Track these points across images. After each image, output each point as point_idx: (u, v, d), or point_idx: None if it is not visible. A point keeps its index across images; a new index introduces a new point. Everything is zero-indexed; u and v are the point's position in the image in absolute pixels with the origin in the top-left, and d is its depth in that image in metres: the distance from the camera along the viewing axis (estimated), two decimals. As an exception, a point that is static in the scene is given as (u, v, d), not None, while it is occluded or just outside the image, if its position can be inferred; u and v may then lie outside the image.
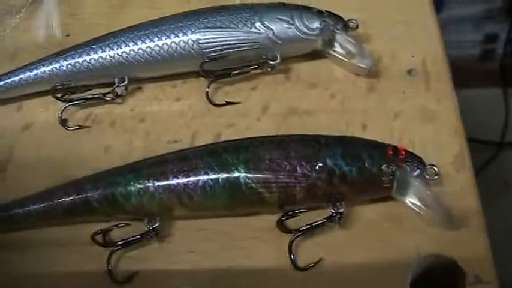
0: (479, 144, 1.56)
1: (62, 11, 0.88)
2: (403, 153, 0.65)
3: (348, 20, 0.75)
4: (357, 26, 0.75)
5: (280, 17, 0.74)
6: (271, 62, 0.74)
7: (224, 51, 0.73)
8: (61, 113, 0.76)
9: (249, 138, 0.68)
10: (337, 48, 0.75)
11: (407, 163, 0.64)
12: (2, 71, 0.79)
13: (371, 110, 0.74)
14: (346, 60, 0.74)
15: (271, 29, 0.73)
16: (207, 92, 0.74)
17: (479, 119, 1.27)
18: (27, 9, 0.88)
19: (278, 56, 0.74)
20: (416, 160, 0.65)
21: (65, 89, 0.77)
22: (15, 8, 0.88)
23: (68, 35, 0.85)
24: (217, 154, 0.65)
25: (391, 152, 0.64)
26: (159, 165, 0.66)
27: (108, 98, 0.75)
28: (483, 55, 1.77)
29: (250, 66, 0.75)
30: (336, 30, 0.74)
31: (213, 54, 0.74)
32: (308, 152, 0.63)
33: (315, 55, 0.78)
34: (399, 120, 0.73)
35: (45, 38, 0.85)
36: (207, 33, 0.73)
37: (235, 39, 0.73)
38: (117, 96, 0.76)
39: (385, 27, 0.81)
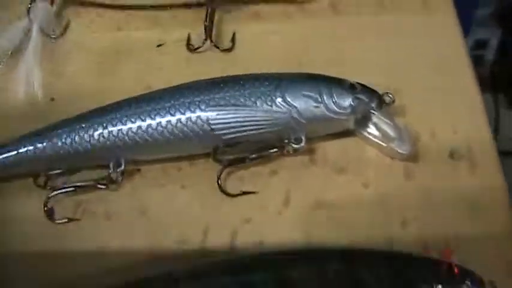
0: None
1: (44, 68, 0.75)
2: (457, 271, 0.54)
3: (383, 94, 0.64)
4: (394, 101, 0.64)
5: (305, 92, 0.62)
6: (294, 146, 0.62)
7: (239, 134, 0.62)
8: (46, 204, 0.63)
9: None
10: (372, 130, 0.64)
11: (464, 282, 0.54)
12: None
13: (410, 202, 0.62)
14: (382, 144, 0.63)
15: (295, 107, 0.62)
16: (219, 180, 0.63)
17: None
18: (4, 64, 0.75)
19: (303, 139, 0.62)
20: (471, 276, 0.54)
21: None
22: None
23: (52, 99, 0.73)
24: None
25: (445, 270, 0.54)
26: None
27: (101, 187, 0.63)
28: (473, 61, 1.71)
29: (270, 149, 0.63)
30: (370, 109, 0.63)
31: (226, 137, 0.62)
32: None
33: (343, 132, 0.66)
34: (443, 213, 0.62)
35: (25, 101, 0.74)
36: (220, 112, 0.62)
37: (252, 120, 0.62)
38: (111, 182, 0.63)
39: (420, 95, 0.70)
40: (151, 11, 0.79)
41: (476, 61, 1.67)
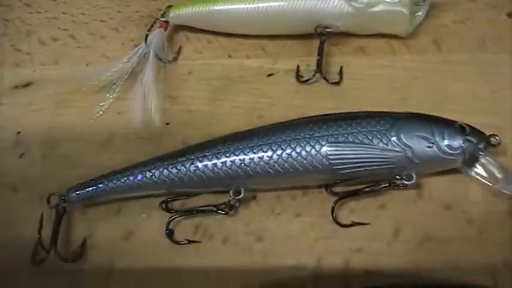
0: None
1: (160, 91, 0.82)
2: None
3: (490, 136, 0.70)
4: (499, 143, 0.70)
5: (419, 133, 0.68)
6: (405, 182, 0.69)
7: (356, 170, 0.68)
8: (168, 225, 0.71)
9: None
10: (479, 170, 0.70)
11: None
12: (95, 158, 0.78)
13: (514, 240, 0.68)
14: (488, 183, 0.69)
15: (410, 147, 0.68)
16: (333, 211, 0.69)
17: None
18: (121, 87, 0.82)
19: (414, 176, 0.69)
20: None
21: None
22: (107, 85, 0.82)
23: (167, 124, 0.80)
24: None
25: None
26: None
27: (221, 212, 0.70)
28: None
29: (381, 184, 0.69)
30: (478, 150, 0.69)
31: (343, 171, 0.69)
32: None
33: (449, 170, 0.72)
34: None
35: (142, 123, 0.80)
36: (338, 148, 0.69)
37: (369, 158, 0.68)
38: (230, 208, 0.71)
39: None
40: (259, 39, 0.85)
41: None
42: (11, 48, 0.92)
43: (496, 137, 0.71)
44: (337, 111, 0.75)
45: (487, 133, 0.72)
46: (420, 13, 0.82)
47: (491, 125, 0.74)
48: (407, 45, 0.83)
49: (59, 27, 0.93)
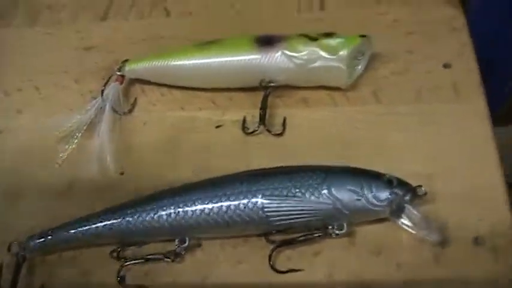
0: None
1: (116, 142, 0.88)
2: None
3: (417, 187, 0.76)
4: (425, 194, 0.76)
5: (349, 187, 0.75)
6: (337, 232, 0.75)
7: (290, 221, 0.75)
8: (119, 272, 0.77)
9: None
10: (405, 220, 0.76)
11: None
12: (55, 207, 0.84)
13: (439, 285, 0.75)
14: (413, 232, 0.75)
15: (340, 200, 0.74)
16: (270, 258, 0.76)
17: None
18: (80, 137, 0.89)
19: (345, 226, 0.75)
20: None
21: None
22: (67, 135, 0.89)
23: (122, 173, 0.86)
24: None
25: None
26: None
27: (167, 260, 0.77)
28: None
29: (315, 233, 0.76)
30: (404, 202, 0.75)
31: (278, 223, 0.75)
32: None
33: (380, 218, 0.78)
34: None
35: (98, 173, 0.86)
36: (273, 202, 0.75)
37: (301, 210, 0.74)
38: (176, 256, 0.77)
39: (451, 182, 0.81)
40: (210, 92, 0.91)
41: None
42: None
43: (422, 188, 0.76)
44: (280, 162, 0.81)
45: (421, 182, 0.77)
46: (359, 66, 0.88)
47: (426, 174, 0.80)
48: (348, 97, 0.89)
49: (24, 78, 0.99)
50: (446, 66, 0.91)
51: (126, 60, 0.92)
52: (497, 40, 0.93)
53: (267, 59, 0.86)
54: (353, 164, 0.79)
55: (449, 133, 0.84)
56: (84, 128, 0.89)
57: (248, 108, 0.90)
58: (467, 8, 0.97)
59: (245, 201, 0.75)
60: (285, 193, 0.75)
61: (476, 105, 0.87)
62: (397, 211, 0.76)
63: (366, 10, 1.00)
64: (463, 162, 0.82)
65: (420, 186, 0.76)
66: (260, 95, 0.89)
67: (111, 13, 1.07)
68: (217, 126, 0.89)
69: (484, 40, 0.95)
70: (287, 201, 0.74)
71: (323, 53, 0.85)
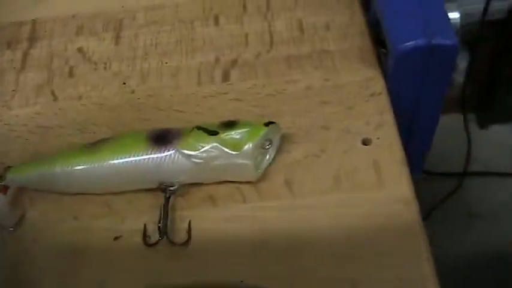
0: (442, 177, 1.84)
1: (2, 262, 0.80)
2: None
3: None
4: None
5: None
6: None
7: None
8: None
9: None
10: None
11: None
12: None
13: None
14: None
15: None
16: None
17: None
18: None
19: None
20: None
21: None
22: None
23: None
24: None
25: None
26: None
27: None
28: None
29: None
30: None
31: None
32: None
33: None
34: None
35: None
36: None
37: None
38: None
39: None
40: (105, 196, 0.82)
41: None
42: None
43: None
44: (188, 277, 0.75)
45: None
46: (268, 156, 0.81)
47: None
48: (258, 190, 0.81)
49: None
50: (365, 142, 0.83)
51: (9, 167, 0.82)
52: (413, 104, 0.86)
53: (162, 159, 0.78)
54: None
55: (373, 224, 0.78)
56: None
57: (150, 212, 0.81)
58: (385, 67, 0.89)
59: None
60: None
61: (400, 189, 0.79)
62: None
63: (274, 79, 0.91)
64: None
65: None
66: (162, 195, 0.80)
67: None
68: (116, 238, 0.80)
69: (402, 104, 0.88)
70: None
71: (225, 149, 0.77)
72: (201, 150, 0.77)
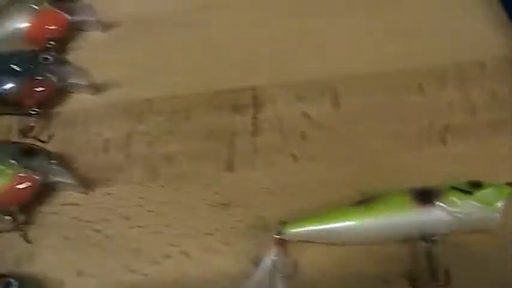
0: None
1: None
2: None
3: None
4: None
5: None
6: None
7: None
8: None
9: None
10: None
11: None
12: None
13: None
14: None
15: None
16: None
17: None
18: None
19: None
20: None
21: None
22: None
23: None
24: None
25: None
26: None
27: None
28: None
29: None
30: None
31: None
32: None
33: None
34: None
35: None
36: None
37: None
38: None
39: None
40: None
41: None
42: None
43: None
44: None
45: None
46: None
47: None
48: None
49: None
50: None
51: (284, 223, 0.96)
52: None
53: (428, 214, 0.94)
54: None
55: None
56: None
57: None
58: None
59: None
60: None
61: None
62: None
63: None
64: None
65: None
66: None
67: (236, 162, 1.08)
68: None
69: None
70: None
71: (480, 206, 0.93)
72: (461, 207, 0.94)
